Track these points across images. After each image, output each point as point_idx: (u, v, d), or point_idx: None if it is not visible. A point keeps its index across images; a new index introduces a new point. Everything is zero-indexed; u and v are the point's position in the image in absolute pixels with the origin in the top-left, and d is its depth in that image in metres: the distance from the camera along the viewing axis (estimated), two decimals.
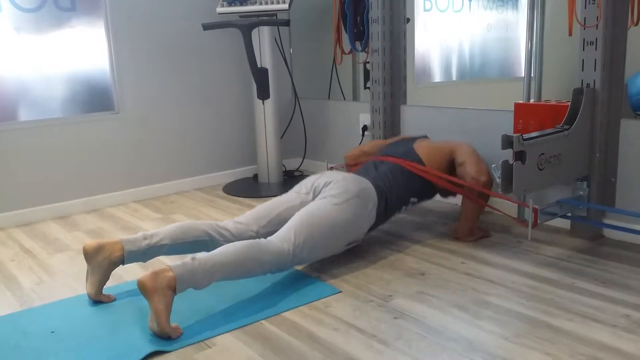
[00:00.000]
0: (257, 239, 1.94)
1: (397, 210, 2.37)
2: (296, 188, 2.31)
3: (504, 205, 2.51)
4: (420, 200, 2.48)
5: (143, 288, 1.64)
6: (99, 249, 1.91)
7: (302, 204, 2.19)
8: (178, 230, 2.03)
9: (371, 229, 2.26)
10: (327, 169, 2.92)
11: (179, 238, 2.02)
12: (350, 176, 2.24)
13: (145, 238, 1.98)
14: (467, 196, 2.36)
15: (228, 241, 2.07)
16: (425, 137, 2.71)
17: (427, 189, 2.46)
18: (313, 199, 2.22)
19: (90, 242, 1.93)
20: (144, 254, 1.98)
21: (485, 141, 2.70)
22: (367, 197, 2.18)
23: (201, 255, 1.77)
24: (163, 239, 1.99)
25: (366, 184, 2.22)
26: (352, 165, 2.80)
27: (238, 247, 1.85)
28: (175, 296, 1.69)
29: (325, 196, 2.14)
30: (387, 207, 2.28)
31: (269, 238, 1.97)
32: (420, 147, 2.48)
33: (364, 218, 2.17)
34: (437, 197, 3.01)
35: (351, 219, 2.11)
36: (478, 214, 2.41)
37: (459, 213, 2.44)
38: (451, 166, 2.44)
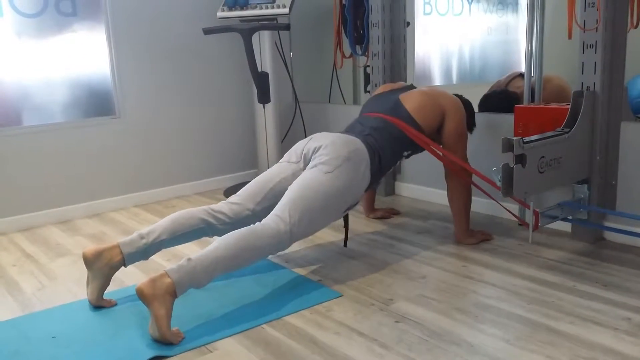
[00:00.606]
0: (252, 226, 1.90)
1: (392, 165, 2.33)
2: (286, 157, 2.25)
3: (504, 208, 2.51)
4: (413, 153, 2.42)
5: (142, 295, 1.64)
6: (99, 255, 1.91)
7: (294, 174, 2.14)
8: (175, 222, 2.01)
9: (368, 187, 2.21)
10: None
11: (176, 231, 2.00)
12: (339, 138, 2.16)
13: (142, 237, 1.96)
14: (451, 169, 2.34)
15: (225, 224, 2.06)
16: (412, 86, 2.55)
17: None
18: (304, 167, 2.15)
19: (89, 248, 1.92)
20: (144, 253, 1.97)
21: (485, 144, 2.70)
22: (359, 157, 2.12)
23: (197, 254, 1.76)
24: (160, 234, 1.97)
25: (357, 144, 2.15)
26: None
27: (233, 240, 1.82)
28: (176, 300, 1.69)
29: (315, 164, 2.08)
30: (381, 164, 2.22)
31: (263, 221, 1.93)
32: (408, 102, 2.35)
33: (358, 180, 2.11)
34: (438, 200, 3.02)
35: (345, 184, 2.05)
36: (468, 208, 2.39)
37: (452, 214, 2.43)
38: (441, 124, 2.37)
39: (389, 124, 2.29)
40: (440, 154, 2.35)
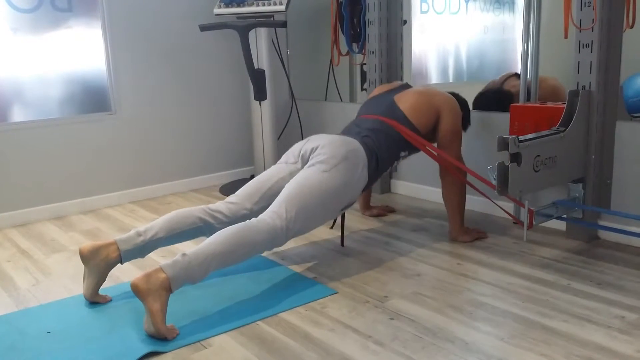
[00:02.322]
0: (247, 222, 1.91)
1: (389, 166, 2.33)
2: (284, 158, 2.27)
3: (498, 207, 2.52)
4: (410, 153, 2.42)
5: (136, 290, 1.64)
6: (95, 251, 1.91)
7: (292, 175, 2.15)
8: (172, 221, 2.01)
9: (365, 187, 2.22)
10: None
11: (173, 229, 2.00)
12: (337, 138, 2.18)
13: (139, 235, 1.96)
14: (443, 164, 2.34)
15: (222, 224, 2.06)
16: (407, 85, 2.55)
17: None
18: (302, 167, 2.17)
19: (86, 244, 1.92)
20: (141, 250, 1.97)
21: (481, 143, 2.71)
22: (356, 157, 2.13)
23: (191, 249, 1.76)
24: (158, 232, 1.98)
25: (354, 144, 2.17)
26: None
27: (228, 234, 1.82)
28: (171, 296, 1.69)
29: (313, 163, 2.10)
30: (378, 164, 2.23)
31: (259, 217, 1.94)
32: (402, 102, 2.37)
33: (355, 180, 2.12)
34: (433, 198, 3.02)
35: (342, 183, 2.07)
36: (462, 206, 2.40)
37: (447, 211, 2.44)
38: (437, 124, 2.38)
39: (386, 125, 2.30)
40: (436, 154, 2.35)
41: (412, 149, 2.40)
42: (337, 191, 2.06)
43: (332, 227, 2.53)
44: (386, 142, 2.26)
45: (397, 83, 2.60)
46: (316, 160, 2.10)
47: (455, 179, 2.36)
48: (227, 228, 1.87)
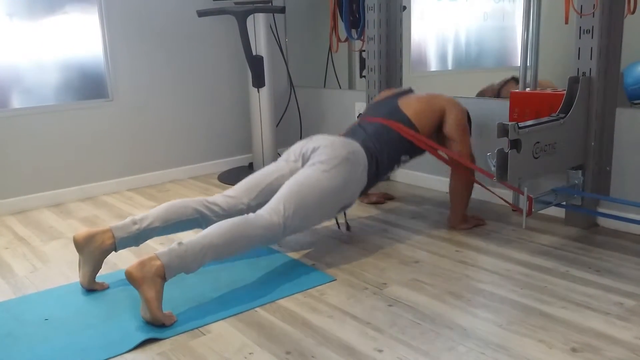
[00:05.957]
0: (245, 215, 1.91)
1: (389, 170, 2.34)
2: (284, 156, 2.27)
3: (497, 193, 2.51)
4: (411, 158, 2.42)
5: (131, 278, 1.63)
6: (90, 238, 1.90)
7: (292, 172, 2.16)
8: (168, 211, 2.01)
9: (364, 190, 2.22)
10: None
11: (169, 219, 2.00)
12: (338, 140, 2.19)
13: (134, 223, 1.96)
14: (453, 167, 2.34)
15: (219, 216, 2.05)
16: (410, 90, 2.58)
17: (417, 147, 2.37)
18: (302, 165, 2.17)
19: (81, 232, 1.91)
20: (136, 238, 1.96)
21: (481, 130, 2.70)
22: (357, 160, 2.14)
23: (188, 239, 1.75)
24: (153, 221, 1.97)
25: (355, 146, 2.17)
26: None
27: (226, 227, 1.82)
28: (169, 283, 1.69)
29: (314, 163, 2.10)
30: (378, 168, 2.24)
31: (257, 212, 1.94)
32: (406, 105, 2.39)
33: (354, 182, 2.13)
34: (432, 186, 3.02)
35: (341, 184, 2.07)
36: (467, 199, 2.40)
37: (449, 201, 2.44)
38: (441, 125, 2.38)
39: (388, 128, 2.31)
40: (441, 153, 2.35)
41: (414, 153, 2.41)
42: (336, 191, 2.07)
43: (339, 228, 2.48)
44: (387, 146, 2.27)
45: (401, 88, 2.61)
46: (317, 160, 2.10)
47: (465, 174, 2.35)
48: (225, 221, 1.86)
